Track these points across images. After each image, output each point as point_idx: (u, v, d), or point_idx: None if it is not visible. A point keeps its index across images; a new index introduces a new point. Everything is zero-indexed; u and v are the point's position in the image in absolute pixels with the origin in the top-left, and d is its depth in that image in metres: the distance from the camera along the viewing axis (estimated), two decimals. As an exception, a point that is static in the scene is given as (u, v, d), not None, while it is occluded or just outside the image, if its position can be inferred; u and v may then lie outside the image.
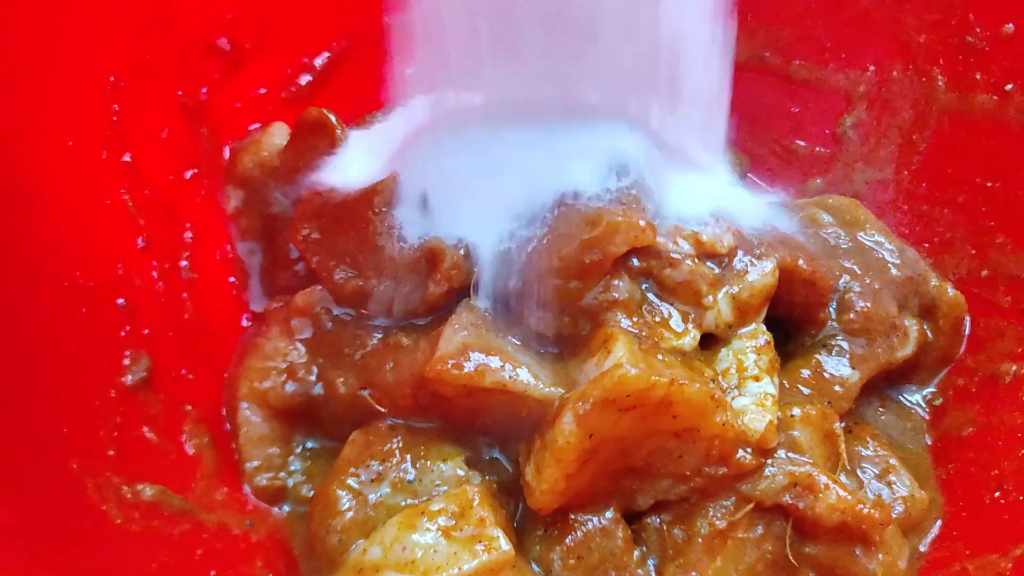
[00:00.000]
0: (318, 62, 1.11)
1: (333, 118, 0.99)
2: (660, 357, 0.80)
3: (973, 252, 1.02)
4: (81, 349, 0.79)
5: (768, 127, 1.18)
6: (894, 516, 0.84)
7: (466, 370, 0.79)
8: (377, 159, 0.95)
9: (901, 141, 1.09)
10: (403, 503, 0.80)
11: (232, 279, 1.00)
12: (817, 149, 1.16)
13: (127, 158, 0.91)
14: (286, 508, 0.88)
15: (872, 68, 1.10)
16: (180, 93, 0.98)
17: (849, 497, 0.81)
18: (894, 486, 0.87)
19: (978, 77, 1.02)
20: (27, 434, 0.68)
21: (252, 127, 1.05)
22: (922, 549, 0.87)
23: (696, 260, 0.87)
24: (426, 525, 0.77)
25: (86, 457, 0.72)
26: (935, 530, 0.89)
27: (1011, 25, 0.99)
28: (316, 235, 0.94)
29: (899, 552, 0.82)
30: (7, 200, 0.78)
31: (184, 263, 0.95)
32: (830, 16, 1.11)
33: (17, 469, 0.63)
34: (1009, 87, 1.00)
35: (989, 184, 1.01)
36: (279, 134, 1.04)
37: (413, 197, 0.91)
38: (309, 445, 0.91)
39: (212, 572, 0.73)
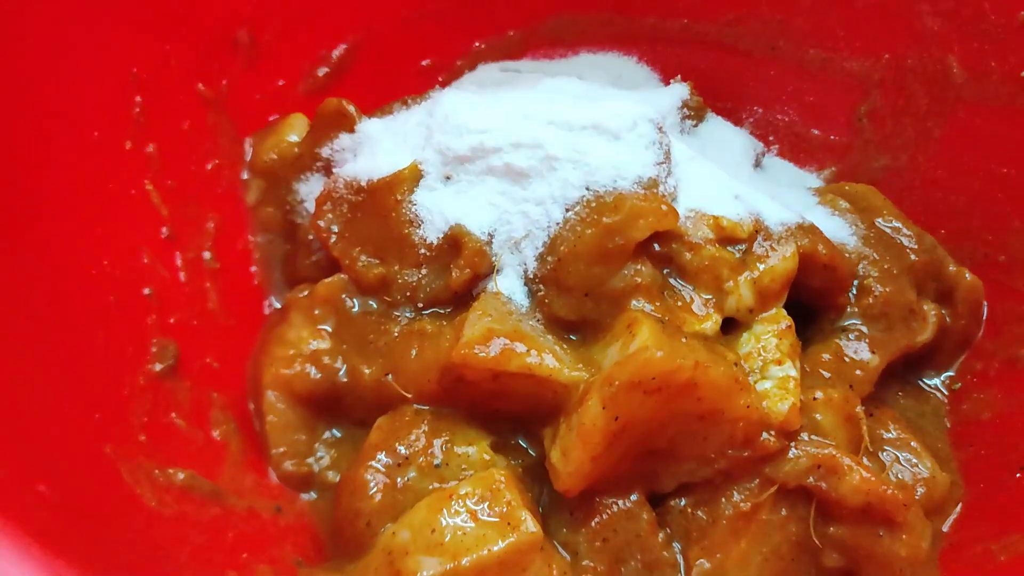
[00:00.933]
0: (336, 54, 1.12)
1: (352, 108, 1.00)
2: (684, 341, 0.80)
3: (990, 238, 1.02)
4: (110, 337, 0.80)
5: (783, 114, 1.18)
6: (916, 498, 0.84)
7: (491, 355, 0.80)
8: (398, 147, 0.96)
9: (917, 128, 1.09)
10: (430, 487, 0.81)
11: (254, 268, 1.01)
12: (832, 137, 1.16)
13: (151, 149, 0.92)
14: (313, 494, 0.89)
15: (887, 56, 1.10)
16: (201, 86, 0.99)
17: (872, 478, 0.81)
18: (916, 468, 0.88)
19: (993, 64, 1.03)
20: (62, 420, 0.69)
21: (271, 118, 1.06)
22: (944, 530, 0.88)
23: (717, 245, 0.88)
24: (454, 508, 0.77)
25: (119, 443, 0.73)
26: (956, 511, 0.89)
27: (1024, 12, 0.99)
28: (338, 223, 0.95)
29: (923, 533, 0.83)
30: (34, 191, 0.79)
31: (207, 254, 0.95)
32: (844, 4, 1.11)
33: (55, 453, 0.64)
34: (1023, 74, 1.00)
35: (1005, 170, 1.02)
36: (298, 125, 1.04)
37: (436, 184, 0.91)
38: (335, 432, 0.91)
39: (244, 555, 0.74)
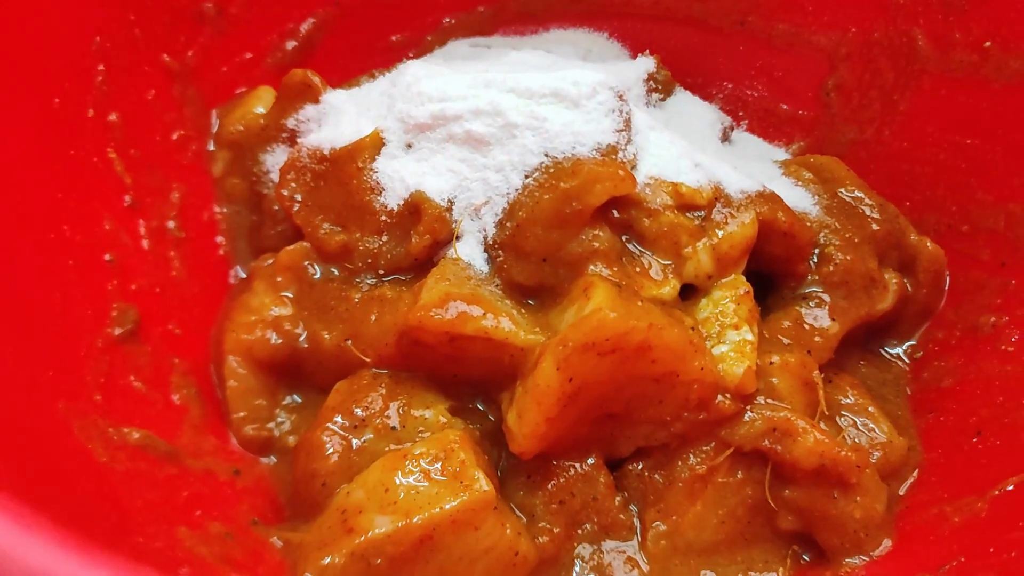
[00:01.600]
0: (304, 28, 1.12)
1: (317, 79, 1.01)
2: (639, 304, 0.81)
3: (953, 208, 1.03)
4: (67, 300, 0.80)
5: (752, 89, 1.19)
6: (872, 461, 0.85)
7: (447, 317, 0.81)
8: (361, 117, 0.96)
9: (883, 101, 1.09)
10: (386, 448, 0.81)
11: (220, 239, 1.01)
12: (800, 112, 1.16)
13: (113, 117, 0.92)
14: (273, 458, 0.89)
15: (853, 30, 1.10)
16: (166, 56, 0.99)
17: (826, 440, 0.82)
18: (872, 433, 0.88)
19: (957, 36, 1.03)
20: (13, 374, 0.69)
21: (239, 91, 1.06)
22: (901, 494, 0.88)
23: (676, 211, 0.89)
24: (408, 467, 0.78)
25: (71, 400, 0.73)
26: (914, 476, 0.90)
27: (989, -18, 1.00)
28: (301, 192, 0.96)
29: (877, 495, 0.84)
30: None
31: (172, 223, 0.96)
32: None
33: (2, 404, 0.64)
34: (988, 45, 1.01)
35: (969, 141, 1.02)
36: (265, 97, 1.05)
37: (397, 152, 0.92)
38: (295, 398, 0.92)
39: (197, 512, 0.75)
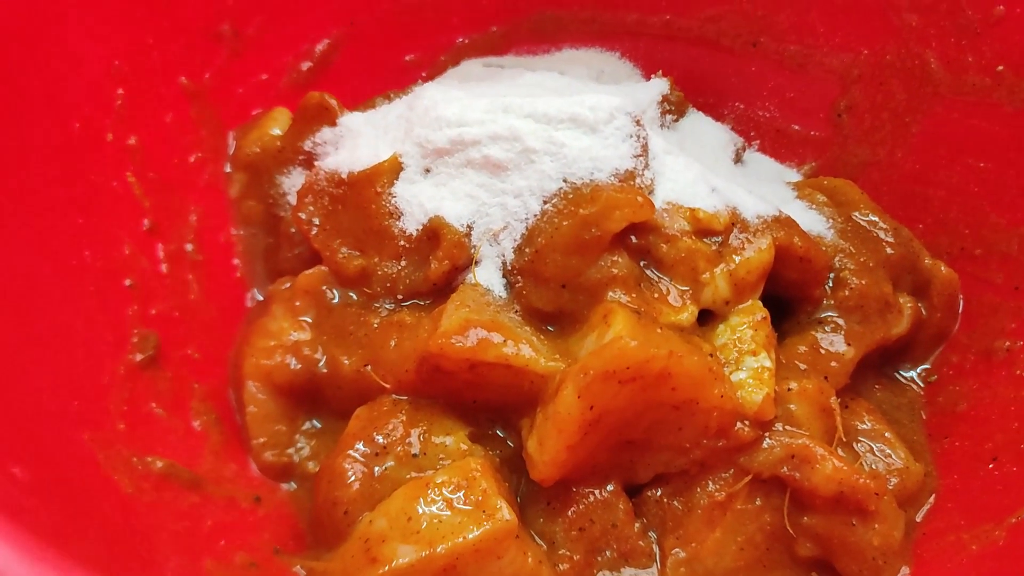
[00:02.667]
0: (319, 48, 1.13)
1: (334, 102, 1.01)
2: (659, 331, 0.81)
3: (967, 231, 1.03)
4: (89, 326, 0.81)
5: (763, 110, 1.19)
6: (889, 488, 0.85)
7: (468, 345, 0.81)
8: (378, 140, 0.96)
9: (895, 123, 1.10)
10: (408, 476, 0.81)
11: (237, 261, 1.01)
12: (812, 132, 1.17)
13: (132, 141, 0.93)
14: (293, 484, 0.90)
15: (866, 52, 1.11)
16: (184, 79, 1.00)
17: (845, 468, 0.82)
18: (889, 459, 0.89)
19: (970, 59, 1.03)
20: (40, 406, 0.69)
21: (255, 112, 1.07)
22: (918, 520, 0.89)
23: (693, 237, 0.89)
24: (431, 496, 0.78)
25: (96, 430, 0.73)
26: (930, 502, 0.90)
27: (1002, 7, 1.00)
28: (319, 216, 0.96)
29: (895, 522, 0.84)
30: (13, 180, 0.79)
31: (189, 246, 0.96)
32: (824, 1, 1.12)
33: (32, 438, 0.65)
34: (1000, 68, 1.01)
35: (982, 164, 1.02)
36: (281, 119, 1.05)
37: (416, 177, 0.92)
38: (315, 423, 0.92)
39: (222, 542, 0.75)
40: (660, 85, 1.11)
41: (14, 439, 0.61)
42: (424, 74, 1.19)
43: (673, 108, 1.12)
